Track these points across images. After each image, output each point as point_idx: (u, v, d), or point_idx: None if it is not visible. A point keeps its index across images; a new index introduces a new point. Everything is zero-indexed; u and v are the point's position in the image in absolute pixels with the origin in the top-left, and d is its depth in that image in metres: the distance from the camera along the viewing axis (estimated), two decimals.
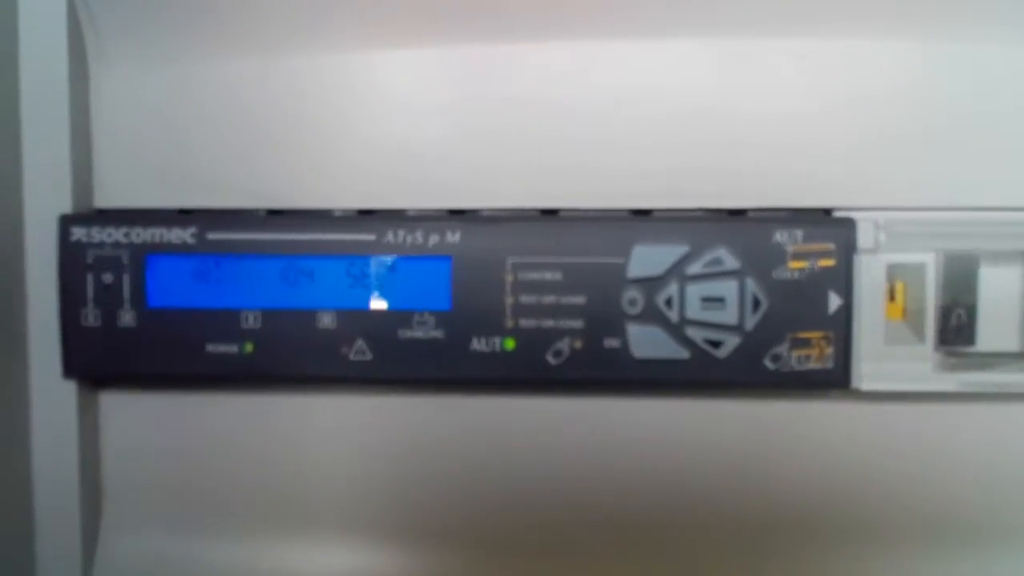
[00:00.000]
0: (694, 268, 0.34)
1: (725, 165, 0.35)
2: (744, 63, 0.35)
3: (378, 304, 0.35)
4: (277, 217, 0.36)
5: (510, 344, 0.35)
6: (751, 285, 0.34)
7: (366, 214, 0.36)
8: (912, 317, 0.34)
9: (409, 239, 0.35)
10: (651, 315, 0.34)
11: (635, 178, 0.36)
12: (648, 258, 0.34)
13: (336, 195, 0.36)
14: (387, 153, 0.36)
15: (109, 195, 0.37)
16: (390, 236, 0.35)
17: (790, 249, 0.34)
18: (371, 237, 0.35)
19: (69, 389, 0.36)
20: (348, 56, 0.37)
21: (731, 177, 0.36)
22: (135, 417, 0.38)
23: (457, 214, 0.36)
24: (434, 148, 0.36)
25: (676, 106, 0.35)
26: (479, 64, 0.36)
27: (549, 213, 0.36)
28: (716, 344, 0.34)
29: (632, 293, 0.34)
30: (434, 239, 0.35)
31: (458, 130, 0.36)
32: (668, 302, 0.34)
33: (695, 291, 0.34)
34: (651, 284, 0.34)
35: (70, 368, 0.35)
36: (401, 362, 0.35)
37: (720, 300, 0.34)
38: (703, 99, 0.35)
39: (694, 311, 0.34)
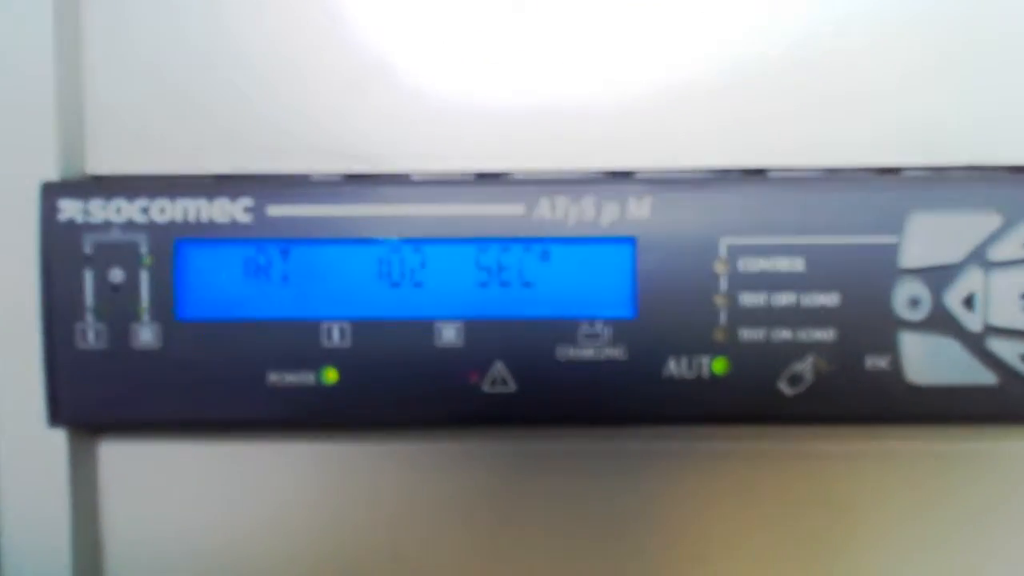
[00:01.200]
0: (1008, 249, 0.24)
1: (1001, 109, 0.26)
2: None
3: (526, 311, 0.25)
4: (371, 183, 0.25)
5: (722, 367, 0.25)
6: None
7: (491, 178, 0.26)
8: None
9: (574, 212, 0.24)
10: (939, 322, 0.24)
11: (877, 125, 0.26)
12: (935, 235, 0.24)
13: (444, 152, 0.26)
14: (516, 92, 0.26)
15: (109, 156, 0.27)
16: (545, 208, 0.25)
17: None
18: (516, 210, 0.25)
19: (55, 442, 0.26)
20: None
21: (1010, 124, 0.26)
22: (153, 478, 0.28)
23: (623, 176, 0.25)
24: (584, 89, 0.26)
25: (926, 28, 0.26)
26: None
27: (754, 175, 0.26)
28: None
29: (910, 289, 0.24)
30: (612, 212, 0.24)
31: (615, 64, 0.26)
32: (967, 302, 0.24)
33: (1009, 285, 0.24)
34: (940, 275, 0.24)
35: (59, 412, 0.26)
36: (560, 394, 0.25)
37: None
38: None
39: (1007, 314, 0.24)
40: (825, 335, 0.24)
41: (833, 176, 0.25)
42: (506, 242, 0.25)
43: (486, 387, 0.25)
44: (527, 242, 0.25)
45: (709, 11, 0.26)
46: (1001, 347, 0.24)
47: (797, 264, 0.24)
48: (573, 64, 0.26)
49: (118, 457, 0.28)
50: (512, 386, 0.25)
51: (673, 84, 0.26)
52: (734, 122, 0.26)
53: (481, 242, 0.25)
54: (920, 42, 0.26)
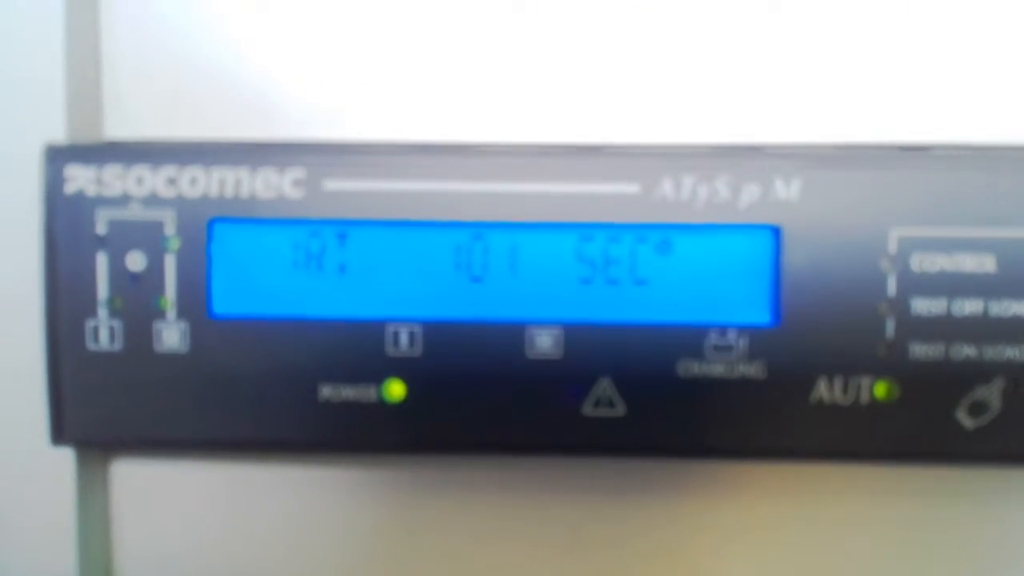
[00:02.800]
0: None
1: None
2: None
3: (639, 315, 0.20)
4: (444, 154, 0.21)
5: (886, 391, 0.20)
6: None
7: (596, 150, 0.21)
8: None
9: (703, 192, 0.20)
10: None
11: None
12: None
13: (539, 119, 0.22)
14: (621, 45, 0.21)
15: (130, 118, 0.23)
16: (667, 187, 0.20)
17: None
18: (630, 188, 0.20)
19: (62, 461, 0.23)
20: None
21: None
22: (171, 504, 0.24)
23: (765, 151, 0.21)
24: (704, 45, 0.21)
25: None
26: None
27: (913, 151, 0.21)
28: None
29: None
30: (752, 193, 0.20)
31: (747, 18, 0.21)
32: None
33: None
34: None
35: (64, 428, 0.22)
36: (680, 422, 0.20)
37: None
38: None
39: None
40: (1018, 353, 0.20)
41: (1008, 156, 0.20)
42: (616, 229, 0.20)
43: (588, 409, 0.21)
44: (643, 229, 0.20)
45: None
46: None
47: (987, 263, 0.20)
48: (686, 18, 0.21)
49: (132, 478, 0.24)
50: (620, 409, 0.20)
51: (821, 40, 0.21)
52: (901, 92, 0.21)
53: (584, 228, 0.20)
54: None
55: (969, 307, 0.20)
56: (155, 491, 0.24)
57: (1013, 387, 0.20)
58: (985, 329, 0.20)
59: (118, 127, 0.23)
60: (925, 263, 0.20)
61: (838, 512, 0.22)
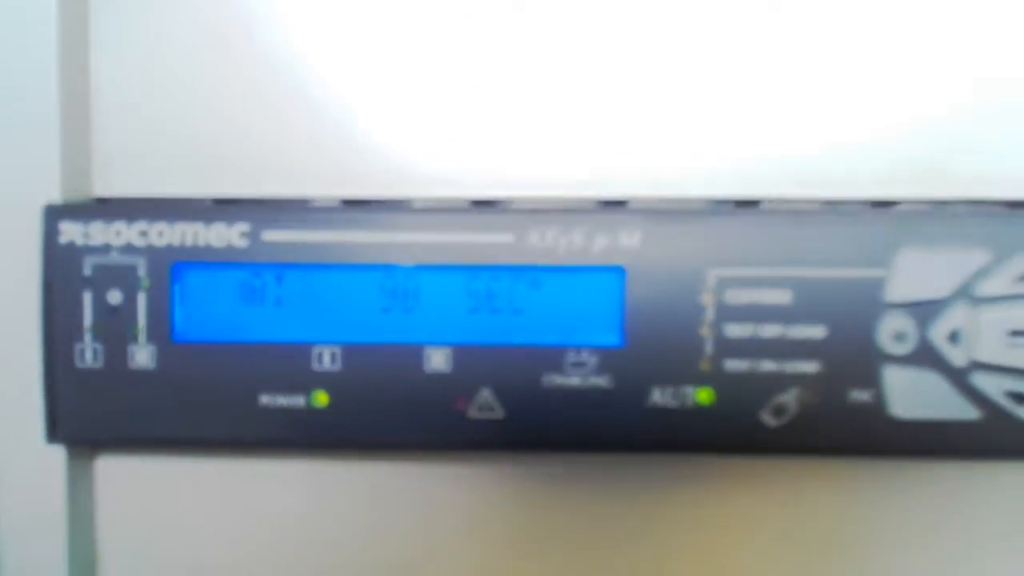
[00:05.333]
0: (994, 286, 0.23)
1: (999, 142, 0.26)
2: None
3: (514, 337, 0.25)
4: (364, 209, 0.25)
5: (707, 397, 0.25)
6: None
7: (485, 205, 0.26)
8: None
9: (564, 242, 0.24)
10: (923, 356, 0.24)
11: (872, 157, 0.26)
12: (922, 270, 0.24)
13: (440, 179, 0.27)
14: (509, 119, 0.27)
15: (113, 179, 0.27)
16: (535, 237, 0.24)
17: None
18: (506, 238, 0.25)
19: (54, 458, 0.27)
20: None
21: (1007, 157, 0.26)
22: (147, 494, 0.28)
23: (615, 206, 0.25)
24: (578, 115, 0.26)
25: (933, 53, 0.26)
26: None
27: (747, 205, 0.25)
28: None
29: (895, 323, 0.24)
30: (602, 242, 0.24)
31: (610, 88, 0.26)
32: (952, 337, 0.24)
33: (995, 321, 0.24)
34: (925, 310, 0.24)
35: (56, 429, 0.26)
36: (546, 422, 0.25)
37: None
38: (966, 47, 0.26)
39: (992, 351, 0.24)
40: (810, 367, 0.24)
41: (822, 209, 0.25)
42: (497, 270, 0.24)
43: (473, 413, 0.25)
44: (517, 270, 0.24)
45: (705, 42, 0.26)
46: (985, 383, 0.24)
47: (784, 296, 0.24)
48: (569, 94, 0.26)
49: (114, 472, 0.28)
50: (499, 413, 0.25)
51: (667, 114, 0.26)
52: (729, 152, 0.26)
53: (472, 269, 0.25)
54: (916, 77, 0.26)
55: (770, 331, 0.24)
56: (133, 482, 0.28)
57: (806, 394, 0.24)
58: (783, 348, 0.24)
59: (103, 186, 0.27)
60: (736, 296, 0.24)
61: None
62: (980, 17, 0.26)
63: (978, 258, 0.23)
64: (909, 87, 0.26)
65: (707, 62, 0.26)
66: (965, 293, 0.24)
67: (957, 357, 0.24)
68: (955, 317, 0.24)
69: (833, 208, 0.25)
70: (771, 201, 0.26)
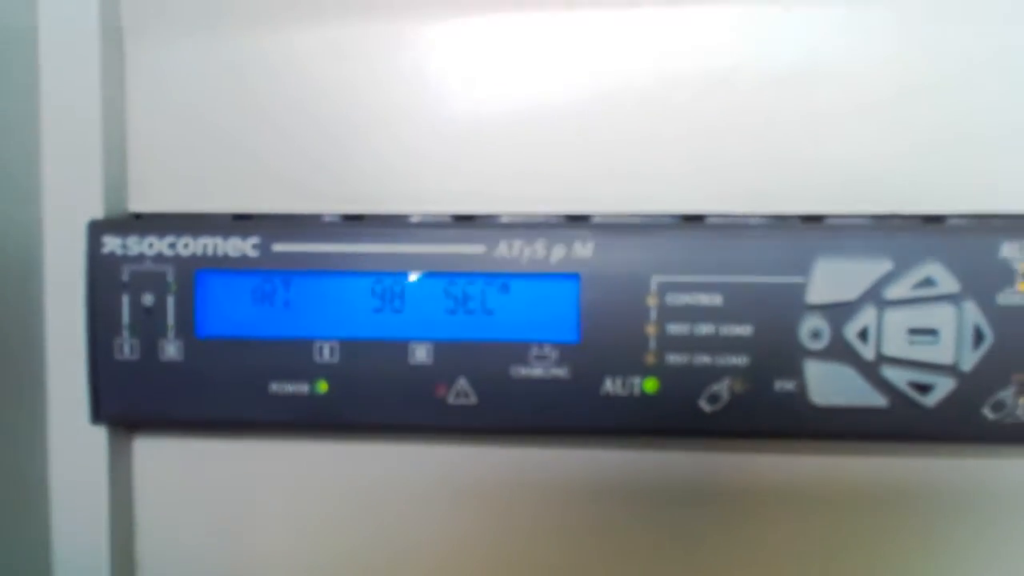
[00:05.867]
0: (898, 290, 0.27)
1: (916, 160, 0.29)
2: (945, 40, 0.28)
3: (486, 334, 0.28)
4: (359, 224, 0.29)
5: (652, 386, 0.28)
6: (972, 313, 0.26)
7: (465, 220, 0.30)
8: None
9: (527, 252, 0.28)
10: (838, 351, 0.27)
11: (804, 176, 0.29)
12: (836, 277, 0.27)
13: (428, 197, 0.30)
14: (489, 145, 0.30)
15: (147, 197, 0.31)
16: (503, 248, 0.28)
17: (1020, 267, 0.26)
18: (479, 249, 0.28)
19: (98, 437, 0.31)
20: (438, 27, 0.30)
21: (925, 175, 0.29)
22: (178, 468, 0.32)
23: (579, 220, 0.29)
24: (548, 140, 0.30)
25: (855, 87, 0.29)
26: (602, 35, 0.30)
27: (693, 220, 0.29)
28: (923, 389, 0.27)
29: (814, 322, 0.27)
30: (559, 252, 0.28)
31: (578, 118, 0.30)
32: (862, 334, 0.27)
33: (898, 320, 0.27)
34: (839, 311, 0.27)
35: (100, 411, 0.30)
36: (513, 407, 0.28)
37: (932, 332, 0.27)
38: (886, 80, 0.29)
39: (896, 346, 0.27)
40: (740, 361, 0.27)
41: (750, 223, 0.28)
42: (471, 276, 0.28)
43: (451, 399, 0.28)
44: (488, 277, 0.28)
45: (658, 82, 0.29)
46: (891, 374, 0.27)
47: (716, 299, 0.27)
48: (540, 124, 0.30)
49: (150, 450, 0.32)
50: (473, 399, 0.28)
51: (625, 141, 0.29)
52: (679, 173, 0.29)
53: (450, 275, 0.28)
54: (840, 108, 0.29)
55: (705, 329, 0.27)
56: (165, 459, 0.32)
57: (737, 384, 0.27)
58: (717, 344, 0.27)
59: (138, 203, 0.31)
60: (676, 299, 0.27)
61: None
62: (902, 48, 0.29)
63: (884, 267, 0.27)
64: (836, 117, 0.29)
65: (661, 101, 0.29)
66: (873, 297, 0.27)
67: (866, 352, 0.27)
68: (864, 317, 0.27)
69: (759, 223, 0.28)
70: (715, 216, 0.29)
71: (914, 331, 0.27)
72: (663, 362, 0.28)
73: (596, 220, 0.29)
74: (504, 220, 0.29)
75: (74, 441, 0.31)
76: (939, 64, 0.29)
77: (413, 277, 0.29)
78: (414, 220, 0.30)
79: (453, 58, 0.30)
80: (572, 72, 0.30)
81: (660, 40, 0.30)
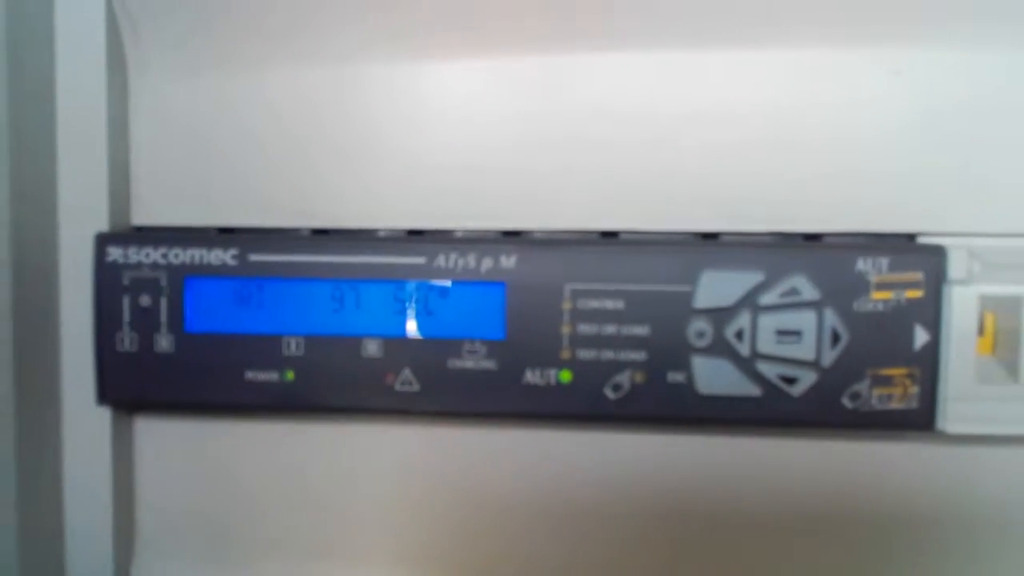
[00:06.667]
0: (768, 298, 0.32)
1: (799, 186, 0.33)
2: (824, 77, 0.32)
3: (427, 332, 0.33)
4: (322, 238, 0.34)
5: (566, 376, 0.33)
6: (830, 317, 0.31)
7: (415, 235, 0.34)
8: (1006, 354, 0.32)
9: (461, 263, 0.33)
10: (719, 348, 0.32)
11: (703, 198, 0.34)
12: (718, 286, 0.32)
13: (384, 215, 0.35)
14: (437, 171, 0.35)
15: (147, 212, 0.36)
16: (441, 260, 0.33)
17: (874, 279, 0.31)
18: (421, 260, 0.33)
19: (103, 415, 0.35)
20: (397, 69, 0.35)
21: (806, 198, 0.33)
22: (171, 444, 0.37)
23: (511, 235, 0.34)
24: (487, 166, 0.35)
25: (747, 122, 0.33)
26: (535, 78, 0.34)
27: (609, 235, 0.34)
28: (790, 381, 0.32)
29: (699, 324, 0.32)
30: (488, 263, 0.33)
31: (513, 147, 0.34)
32: (739, 334, 0.32)
33: (769, 323, 0.32)
34: (720, 315, 0.32)
35: (104, 394, 0.34)
36: (450, 393, 0.33)
37: (796, 333, 0.31)
38: (777, 115, 0.33)
39: (767, 345, 0.32)
40: (638, 356, 0.32)
41: (649, 241, 0.33)
42: (415, 283, 0.33)
43: (398, 387, 0.33)
44: (429, 284, 0.33)
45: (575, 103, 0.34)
46: (763, 368, 0.32)
47: (619, 304, 0.32)
48: (481, 151, 0.34)
49: (148, 429, 0.36)
50: (416, 386, 0.33)
51: (549, 167, 0.34)
52: (596, 195, 0.34)
53: (398, 282, 0.33)
54: (733, 136, 0.33)
55: (610, 329, 0.32)
56: (161, 437, 0.36)
57: (637, 376, 0.32)
58: (619, 342, 0.32)
59: (139, 217, 0.35)
60: (585, 304, 0.32)
61: None
62: (786, 95, 0.33)
63: (757, 278, 0.32)
64: (732, 149, 0.33)
65: (584, 134, 0.34)
66: (748, 303, 0.32)
67: (743, 349, 0.32)
68: (741, 320, 0.32)
69: (656, 240, 0.33)
70: (628, 232, 0.34)
71: (782, 332, 0.32)
72: (575, 357, 0.32)
73: (523, 237, 0.34)
74: (446, 236, 0.34)
75: (83, 420, 0.35)
76: (815, 105, 0.33)
77: (367, 283, 0.33)
78: (381, 235, 0.34)
79: (406, 99, 0.35)
80: (505, 112, 0.34)
81: (584, 81, 0.34)
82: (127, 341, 0.34)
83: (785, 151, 0.33)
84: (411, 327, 0.33)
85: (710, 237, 0.34)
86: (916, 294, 0.31)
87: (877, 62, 0.33)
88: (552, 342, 0.32)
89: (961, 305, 0.31)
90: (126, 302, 0.34)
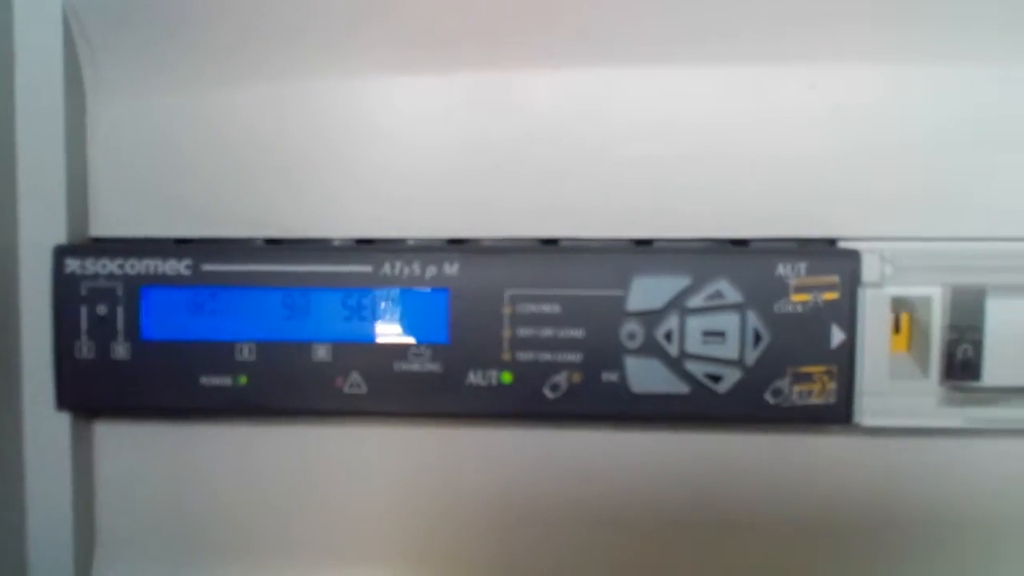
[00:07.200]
0: (695, 301, 0.33)
1: (727, 194, 0.35)
2: (748, 91, 0.34)
3: (374, 337, 0.34)
4: (273, 248, 0.35)
5: (507, 378, 0.34)
6: (752, 319, 0.33)
7: (364, 243, 0.36)
8: (917, 351, 0.34)
9: (406, 271, 0.34)
10: (650, 349, 0.34)
11: (638, 207, 0.35)
12: (648, 290, 0.34)
13: (335, 224, 0.36)
14: (386, 182, 0.36)
15: (105, 223, 0.36)
16: (387, 268, 0.34)
17: (792, 282, 0.33)
18: (368, 269, 0.34)
19: (63, 421, 0.36)
20: (346, 84, 0.36)
21: (733, 206, 0.35)
22: (129, 448, 0.37)
23: (456, 243, 0.35)
24: (433, 177, 0.36)
25: (678, 135, 0.35)
26: (479, 94, 0.36)
27: (549, 243, 0.35)
28: (716, 378, 0.33)
29: (631, 326, 0.34)
30: (432, 271, 0.34)
31: (458, 159, 0.36)
32: (668, 336, 0.34)
33: (695, 324, 0.33)
34: (651, 317, 0.34)
35: (63, 400, 0.35)
36: (396, 395, 0.34)
37: (721, 334, 0.33)
38: (705, 128, 0.35)
39: (694, 345, 0.34)
40: (575, 357, 0.33)
41: (584, 248, 0.35)
42: (362, 291, 0.34)
43: (347, 389, 0.34)
44: (376, 291, 0.34)
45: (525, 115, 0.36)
46: (691, 366, 0.33)
47: (556, 308, 0.33)
48: (428, 164, 0.36)
49: (106, 433, 0.37)
50: (364, 389, 0.34)
51: (496, 178, 0.36)
52: (537, 204, 0.35)
53: (346, 290, 0.34)
54: (667, 148, 0.35)
55: (547, 332, 0.33)
56: (120, 442, 0.37)
57: (573, 376, 0.34)
58: (556, 344, 0.33)
59: (97, 229, 0.36)
60: (524, 308, 0.33)
61: None
62: (720, 108, 0.35)
63: (684, 282, 0.33)
64: (666, 160, 0.35)
65: (526, 148, 0.35)
66: (676, 306, 0.34)
67: (672, 349, 0.34)
68: (670, 322, 0.34)
69: (591, 247, 0.35)
70: (567, 239, 0.36)
71: (707, 333, 0.34)
72: (515, 359, 0.34)
73: (466, 245, 0.36)
74: (395, 245, 0.36)
75: (43, 425, 0.35)
76: (743, 119, 0.35)
77: (316, 291, 0.35)
78: (335, 244, 0.36)
79: (356, 114, 0.36)
80: (452, 126, 0.36)
81: (526, 97, 0.36)
82: (85, 349, 0.35)
83: (716, 162, 0.35)
84: (359, 332, 0.35)
85: (645, 243, 0.35)
86: (833, 296, 0.33)
87: (795, 77, 0.34)
88: (493, 345, 0.34)
89: (874, 306, 0.33)
90: (84, 311, 0.34)
